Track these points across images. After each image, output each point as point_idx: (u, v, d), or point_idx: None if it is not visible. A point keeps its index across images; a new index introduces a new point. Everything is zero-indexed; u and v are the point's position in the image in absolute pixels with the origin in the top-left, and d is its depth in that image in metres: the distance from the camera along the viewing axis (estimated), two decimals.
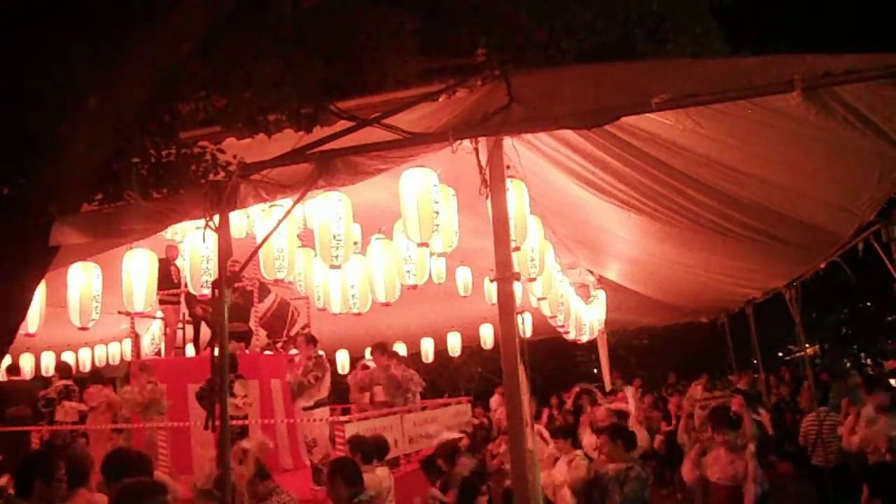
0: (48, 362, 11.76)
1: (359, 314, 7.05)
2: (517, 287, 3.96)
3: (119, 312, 8.11)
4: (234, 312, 6.93)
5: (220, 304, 3.56)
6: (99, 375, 9.28)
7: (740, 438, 5.51)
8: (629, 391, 10.93)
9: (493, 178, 3.66)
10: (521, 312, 3.94)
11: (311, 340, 7.57)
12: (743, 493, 5.07)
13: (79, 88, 3.32)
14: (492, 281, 3.77)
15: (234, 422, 6.84)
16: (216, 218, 3.55)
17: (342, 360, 12.73)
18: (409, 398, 8.06)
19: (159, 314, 9.13)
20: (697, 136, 3.52)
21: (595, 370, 19.03)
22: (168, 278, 8.08)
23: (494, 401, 13.62)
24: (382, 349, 8.34)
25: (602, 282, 9.66)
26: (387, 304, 6.35)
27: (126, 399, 7.38)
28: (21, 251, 3.54)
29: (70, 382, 8.60)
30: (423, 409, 8.96)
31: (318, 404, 7.26)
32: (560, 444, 5.65)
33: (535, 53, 3.66)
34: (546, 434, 6.19)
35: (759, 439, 6.27)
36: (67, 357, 12.19)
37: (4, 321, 3.53)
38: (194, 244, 5.78)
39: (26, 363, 11.54)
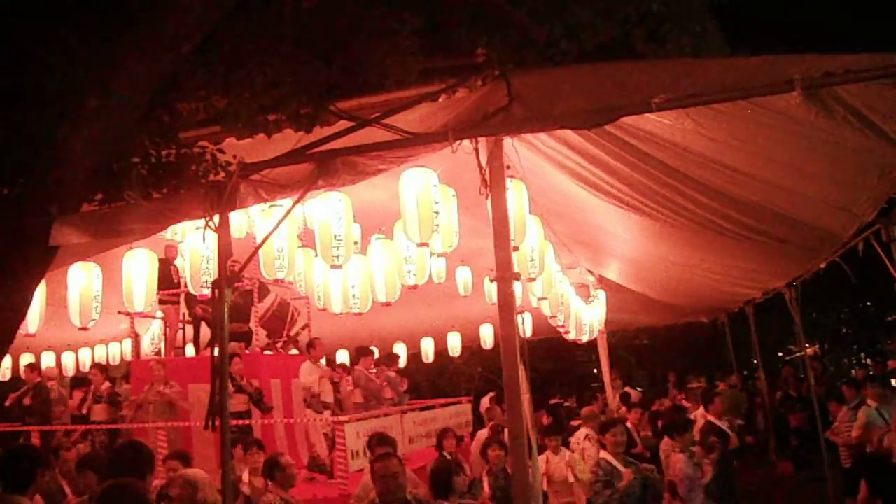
0: (48, 362, 11.75)
1: (359, 314, 7.06)
2: (517, 287, 3.96)
3: (119, 312, 8.12)
4: (234, 312, 6.97)
5: (220, 304, 3.56)
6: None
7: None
8: None
9: (493, 178, 3.66)
10: (521, 312, 3.94)
11: (308, 347, 7.67)
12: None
13: (79, 88, 3.31)
14: (492, 281, 3.76)
15: (235, 421, 6.91)
16: (216, 218, 3.55)
17: (342, 359, 12.74)
18: (385, 402, 8.06)
19: (159, 314, 9.14)
20: (697, 136, 3.52)
21: (595, 370, 19.03)
22: (168, 278, 8.09)
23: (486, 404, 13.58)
24: (359, 354, 8.42)
25: (602, 282, 9.66)
26: (387, 304, 6.35)
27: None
28: (21, 251, 3.53)
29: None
30: (430, 408, 9.01)
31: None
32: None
33: (535, 53, 3.65)
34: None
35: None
36: (68, 357, 12.21)
37: (4, 321, 3.52)
38: (194, 244, 5.78)
39: (26, 363, 11.53)
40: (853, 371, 17.59)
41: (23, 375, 9.52)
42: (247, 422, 7.05)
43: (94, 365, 9.44)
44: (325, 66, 3.48)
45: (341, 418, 6.73)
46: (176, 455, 5.21)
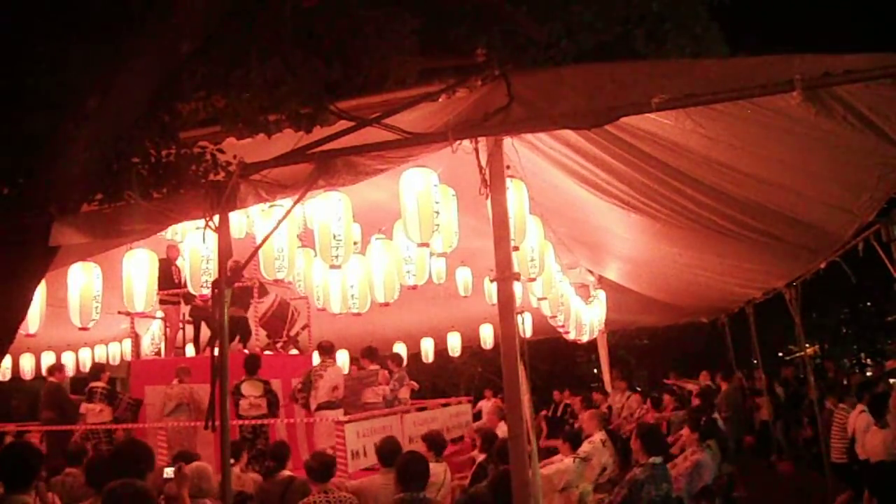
0: (48, 362, 11.75)
1: (358, 314, 7.06)
2: (517, 287, 3.95)
3: (119, 312, 8.12)
4: (232, 299, 6.97)
5: (220, 304, 3.56)
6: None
7: None
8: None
9: (493, 178, 3.66)
10: (521, 312, 3.93)
11: (323, 349, 7.69)
12: None
13: (79, 88, 3.31)
14: (492, 281, 3.77)
15: (243, 421, 6.90)
16: (216, 218, 3.55)
17: (342, 360, 12.74)
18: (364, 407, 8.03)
19: (159, 314, 9.13)
20: (697, 136, 3.52)
21: (595, 370, 19.03)
22: (168, 278, 8.07)
23: (483, 405, 13.52)
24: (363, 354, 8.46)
25: (602, 282, 9.66)
26: (386, 304, 6.35)
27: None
28: (21, 251, 3.53)
29: (100, 384, 8.51)
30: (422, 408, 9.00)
31: (319, 407, 7.32)
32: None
33: (535, 53, 3.66)
34: None
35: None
36: (67, 357, 12.18)
37: (4, 321, 3.52)
38: (194, 244, 5.79)
39: (26, 363, 11.53)
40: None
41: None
42: (253, 422, 7.04)
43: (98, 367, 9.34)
44: (325, 66, 3.47)
45: (341, 418, 6.72)
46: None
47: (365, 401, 7.98)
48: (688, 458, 5.92)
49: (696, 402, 9.16)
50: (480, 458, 6.01)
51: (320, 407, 7.33)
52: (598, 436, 6.34)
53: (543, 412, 12.22)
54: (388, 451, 4.75)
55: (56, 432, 7.97)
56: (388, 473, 4.54)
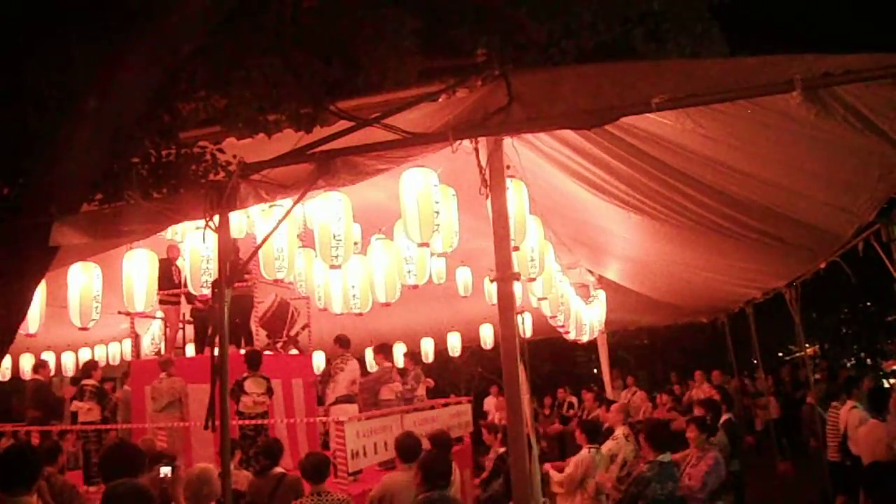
0: (48, 362, 11.75)
1: (360, 314, 7.06)
2: (517, 287, 3.96)
3: (119, 312, 8.12)
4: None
5: (221, 304, 3.56)
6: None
7: None
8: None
9: (493, 178, 3.66)
10: (521, 312, 3.94)
11: (341, 343, 7.70)
12: None
13: (79, 89, 3.31)
14: (492, 281, 3.76)
15: (247, 421, 6.88)
16: (216, 218, 3.55)
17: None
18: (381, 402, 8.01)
19: (159, 314, 9.13)
20: (697, 136, 3.53)
21: (595, 370, 19.03)
22: (168, 278, 8.07)
23: (490, 402, 13.64)
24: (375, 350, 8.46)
25: (602, 282, 9.66)
26: (387, 304, 6.35)
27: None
28: (21, 251, 3.53)
29: (91, 381, 8.48)
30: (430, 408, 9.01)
31: (338, 400, 7.33)
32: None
33: (535, 53, 3.65)
34: None
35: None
36: (68, 357, 12.19)
37: (4, 321, 3.52)
38: (194, 244, 5.79)
39: (26, 363, 11.53)
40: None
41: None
42: (255, 422, 7.03)
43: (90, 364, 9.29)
44: (325, 66, 3.47)
45: (341, 417, 6.72)
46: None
47: (381, 398, 7.99)
48: (704, 457, 5.85)
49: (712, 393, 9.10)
50: (501, 450, 6.19)
51: (338, 400, 7.34)
52: (621, 430, 6.32)
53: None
54: (408, 447, 4.68)
55: (46, 431, 7.96)
56: (408, 470, 4.44)
